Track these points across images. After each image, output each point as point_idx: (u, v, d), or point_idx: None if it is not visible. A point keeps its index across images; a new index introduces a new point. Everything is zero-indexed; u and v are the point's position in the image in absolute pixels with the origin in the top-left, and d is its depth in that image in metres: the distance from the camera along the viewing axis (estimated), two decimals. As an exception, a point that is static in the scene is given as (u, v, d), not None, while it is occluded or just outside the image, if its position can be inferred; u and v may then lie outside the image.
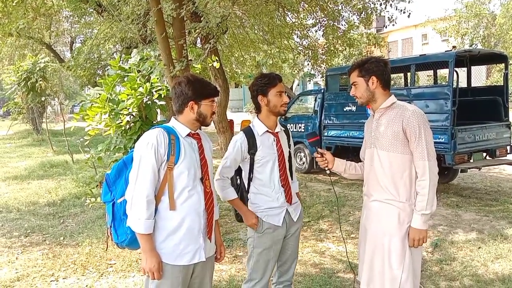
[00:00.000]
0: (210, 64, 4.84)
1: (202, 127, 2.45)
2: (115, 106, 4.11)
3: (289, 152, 2.88)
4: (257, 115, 2.81)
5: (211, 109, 2.33)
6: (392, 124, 2.42)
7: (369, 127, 2.61)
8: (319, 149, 2.72)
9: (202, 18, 6.02)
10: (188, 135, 2.32)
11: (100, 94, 4.28)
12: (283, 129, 2.89)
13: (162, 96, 4.25)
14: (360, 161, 2.77)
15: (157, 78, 4.30)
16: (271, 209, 2.74)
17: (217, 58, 4.91)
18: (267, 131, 2.74)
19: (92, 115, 4.11)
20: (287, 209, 2.79)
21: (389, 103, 2.47)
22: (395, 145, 2.41)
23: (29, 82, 15.91)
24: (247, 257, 2.87)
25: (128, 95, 4.04)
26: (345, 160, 2.78)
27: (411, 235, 2.40)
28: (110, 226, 2.33)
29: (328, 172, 2.76)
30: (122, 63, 4.88)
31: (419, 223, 2.37)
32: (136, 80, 4.12)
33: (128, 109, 4.10)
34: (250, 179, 2.76)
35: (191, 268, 2.29)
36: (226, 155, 2.73)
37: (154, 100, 4.39)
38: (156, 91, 4.29)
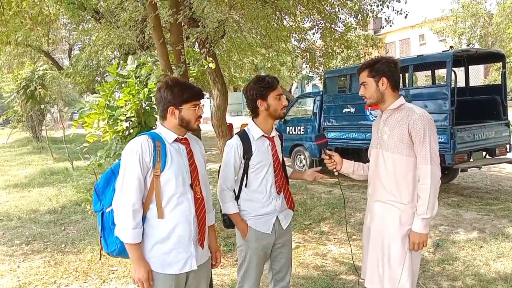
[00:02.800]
0: (206, 66, 4.84)
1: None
2: (113, 112, 4.11)
3: (282, 157, 2.82)
4: (252, 119, 2.73)
5: (194, 113, 2.24)
6: (398, 126, 2.42)
7: (376, 127, 2.61)
8: (327, 151, 2.70)
9: (199, 23, 6.01)
10: (176, 140, 2.26)
11: (99, 101, 4.28)
12: (278, 134, 2.83)
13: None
14: (368, 160, 2.76)
15: (155, 84, 4.30)
16: (260, 216, 2.67)
17: (212, 59, 4.90)
18: (263, 135, 2.68)
19: (90, 122, 4.12)
20: (277, 216, 2.72)
21: (397, 105, 2.47)
22: (400, 147, 2.41)
23: (28, 90, 15.93)
24: (238, 265, 2.83)
25: (126, 101, 4.04)
26: (353, 161, 2.77)
27: (411, 239, 2.41)
28: (101, 236, 2.29)
29: (336, 174, 2.73)
30: (120, 69, 4.88)
31: (420, 227, 2.37)
32: (134, 86, 4.12)
33: (126, 114, 4.10)
34: (242, 185, 2.68)
35: (184, 276, 2.24)
36: (223, 161, 2.66)
37: (153, 106, 4.39)
38: (154, 96, 4.29)
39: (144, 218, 2.16)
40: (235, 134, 2.73)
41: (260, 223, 2.68)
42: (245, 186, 2.67)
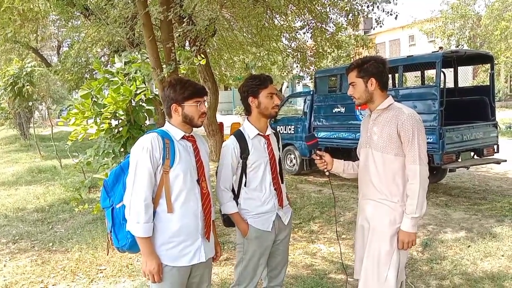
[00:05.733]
0: (197, 63, 4.81)
1: (195, 129, 2.44)
2: (101, 110, 4.07)
3: (279, 155, 2.84)
4: (247, 118, 2.76)
5: (196, 109, 2.32)
6: (387, 126, 2.44)
7: (365, 126, 2.62)
8: (318, 151, 2.71)
9: (185, 19, 5.97)
10: (183, 138, 2.34)
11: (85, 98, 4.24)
12: (274, 132, 2.85)
13: (145, 97, 4.21)
14: (357, 158, 2.77)
15: (141, 81, 4.27)
16: (261, 214, 2.69)
17: (203, 56, 4.87)
18: (258, 134, 2.69)
19: (76, 118, 4.08)
20: (277, 214, 2.75)
21: (386, 105, 2.48)
22: (389, 147, 2.43)
23: (15, 87, 15.70)
24: (236, 262, 2.84)
25: (114, 98, 4.01)
26: (342, 160, 2.78)
27: (400, 238, 2.43)
28: (110, 231, 2.36)
29: (327, 173, 2.74)
30: (110, 67, 4.83)
31: (409, 226, 2.40)
32: (122, 84, 4.08)
33: (114, 112, 4.06)
34: (241, 184, 2.70)
35: (189, 268, 2.32)
36: (221, 162, 2.68)
37: (142, 104, 4.36)
38: (139, 93, 4.25)
39: (154, 213, 2.24)
40: (231, 134, 2.74)
41: (260, 221, 2.69)
42: (245, 185, 2.69)
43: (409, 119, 2.38)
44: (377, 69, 2.46)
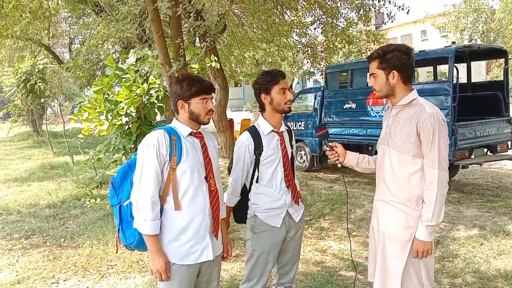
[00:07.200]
0: (208, 64, 4.80)
1: (203, 126, 2.42)
2: (113, 106, 4.08)
3: (292, 152, 2.83)
4: (261, 114, 2.75)
5: (202, 107, 2.28)
6: (407, 124, 2.25)
7: (386, 121, 2.46)
8: (328, 143, 2.59)
9: (192, 14, 5.93)
10: (190, 134, 2.31)
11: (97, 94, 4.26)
12: (287, 128, 2.84)
13: (160, 97, 4.21)
14: (371, 154, 2.67)
15: (155, 79, 4.27)
16: (271, 210, 2.68)
17: (216, 58, 4.85)
18: (273, 130, 2.68)
19: (86, 114, 4.09)
20: (287, 210, 2.73)
21: (408, 100, 2.28)
22: (408, 147, 2.26)
23: (28, 84, 15.91)
24: (246, 257, 2.84)
25: (126, 95, 4.01)
26: (357, 153, 2.64)
27: (415, 247, 2.28)
28: (118, 229, 2.35)
29: (339, 166, 2.62)
30: (120, 63, 4.84)
31: (424, 235, 2.23)
32: (133, 82, 4.09)
33: (124, 109, 4.07)
34: (253, 179, 2.70)
35: (197, 267, 2.30)
36: (237, 158, 2.66)
37: (153, 101, 4.36)
38: (155, 91, 4.26)
39: (161, 211, 2.22)
40: (246, 130, 2.73)
41: (270, 217, 2.69)
42: (256, 181, 2.69)
43: (430, 118, 2.19)
44: (400, 61, 2.24)
